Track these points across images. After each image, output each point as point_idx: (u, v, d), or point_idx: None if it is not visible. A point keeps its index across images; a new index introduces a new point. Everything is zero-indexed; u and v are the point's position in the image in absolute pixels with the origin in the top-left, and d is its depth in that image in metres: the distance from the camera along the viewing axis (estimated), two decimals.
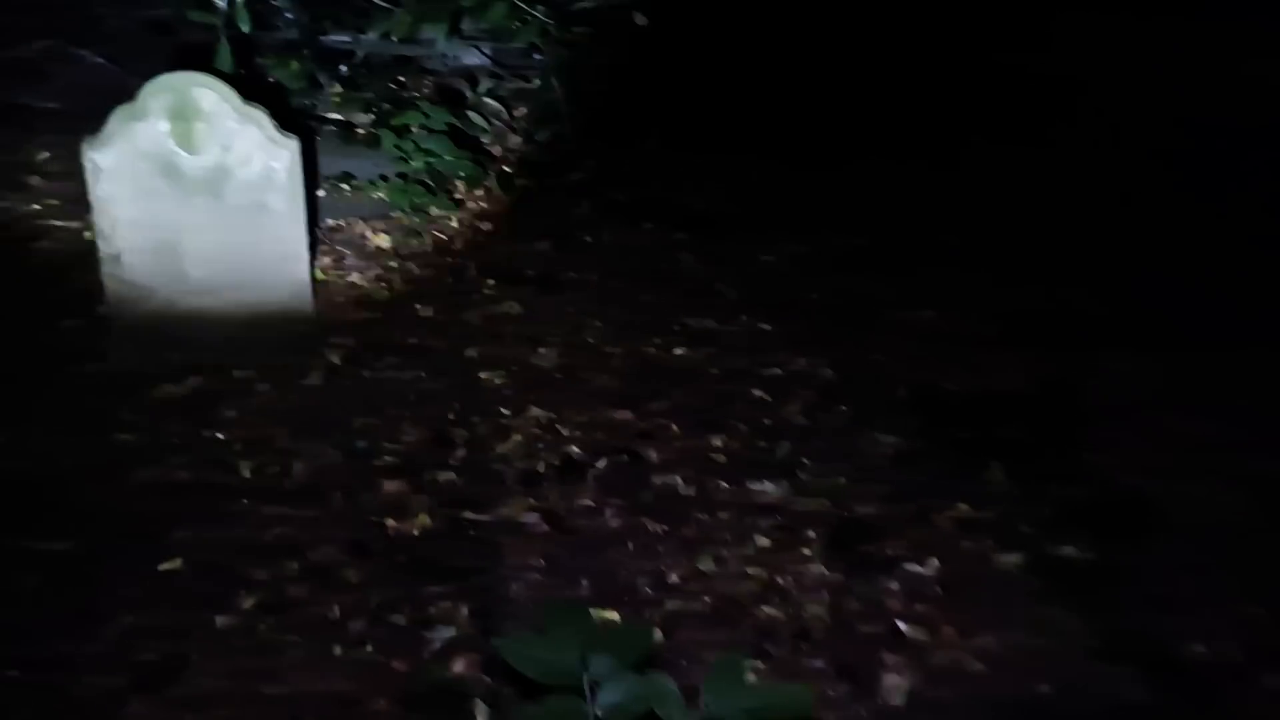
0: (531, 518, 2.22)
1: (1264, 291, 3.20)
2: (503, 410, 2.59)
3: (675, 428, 2.52)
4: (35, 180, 3.50)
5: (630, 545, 2.15)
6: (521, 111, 4.04)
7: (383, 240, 3.34)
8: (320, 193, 3.46)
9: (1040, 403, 2.64)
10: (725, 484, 2.33)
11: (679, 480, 2.34)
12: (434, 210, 3.44)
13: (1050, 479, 2.36)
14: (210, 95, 2.70)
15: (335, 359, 2.82)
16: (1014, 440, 2.48)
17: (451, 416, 2.60)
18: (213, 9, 3.17)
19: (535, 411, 2.57)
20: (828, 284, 3.20)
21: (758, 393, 2.66)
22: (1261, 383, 2.76)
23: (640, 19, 4.18)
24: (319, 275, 3.08)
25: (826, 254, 3.40)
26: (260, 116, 2.77)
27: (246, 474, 2.41)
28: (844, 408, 2.60)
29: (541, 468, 2.38)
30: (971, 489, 2.33)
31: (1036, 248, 3.43)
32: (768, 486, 2.31)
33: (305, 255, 2.91)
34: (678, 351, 2.84)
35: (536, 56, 4.02)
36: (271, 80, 3.61)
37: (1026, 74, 4.84)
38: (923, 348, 2.88)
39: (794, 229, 3.53)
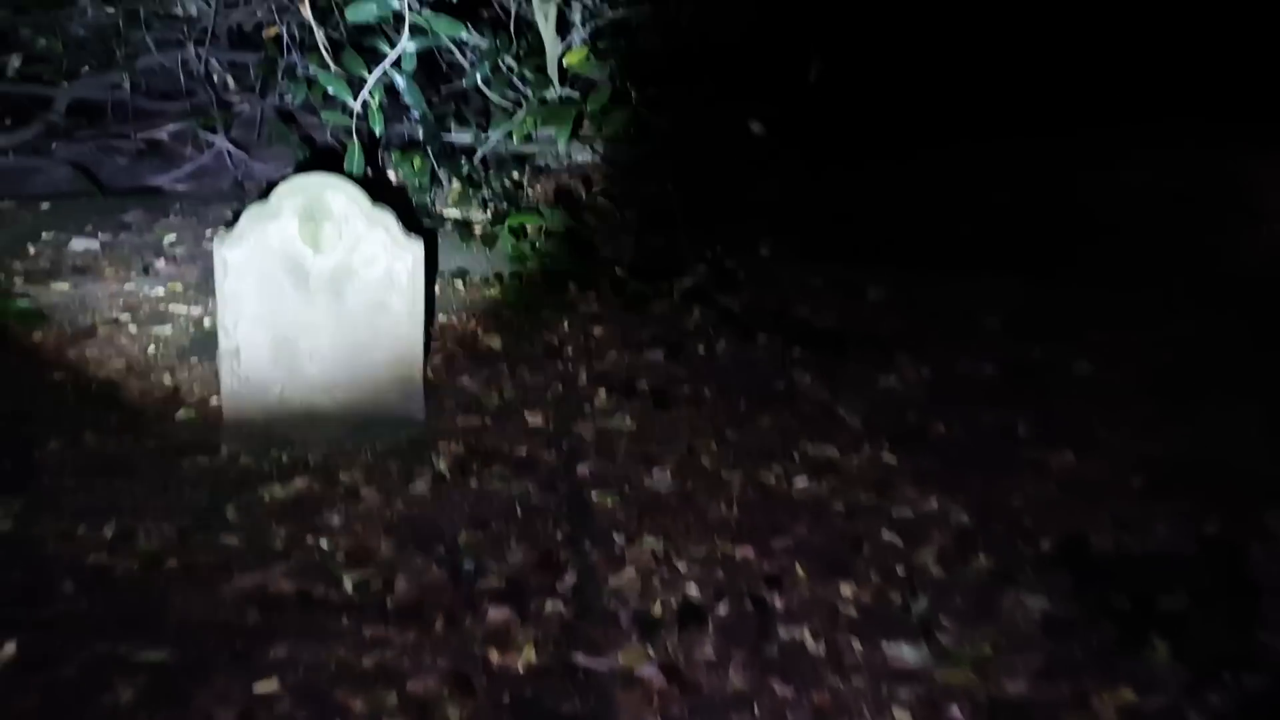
0: (648, 669, 2.06)
1: None
2: (615, 537, 2.47)
3: (800, 571, 2.35)
4: (161, 264, 3.57)
5: (757, 710, 1.97)
6: (633, 213, 4.01)
7: (494, 341, 3.29)
8: (435, 288, 3.44)
9: (1202, 568, 2.39)
10: (858, 642, 2.15)
11: (807, 634, 2.16)
12: (545, 313, 3.39)
13: (1222, 662, 2.12)
14: (341, 198, 2.71)
15: (442, 466, 2.74)
16: (1178, 612, 2.25)
17: (560, 537, 2.49)
18: (345, 110, 3.22)
19: (650, 541, 2.44)
20: (955, 414, 3.02)
21: (887, 535, 2.48)
22: None
23: (757, 127, 4.16)
24: (429, 376, 3.03)
25: (952, 379, 3.23)
26: (388, 219, 2.76)
27: (348, 588, 2.33)
28: (983, 559, 2.41)
29: (659, 610, 2.23)
30: (1134, 669, 2.09)
31: (1181, 387, 3.20)
32: (905, 650, 2.12)
33: (420, 357, 2.87)
34: (799, 482, 2.69)
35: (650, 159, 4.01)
36: (394, 177, 3.65)
37: (1161, 190, 4.64)
38: (1063, 495, 2.67)
39: (915, 350, 3.37)
